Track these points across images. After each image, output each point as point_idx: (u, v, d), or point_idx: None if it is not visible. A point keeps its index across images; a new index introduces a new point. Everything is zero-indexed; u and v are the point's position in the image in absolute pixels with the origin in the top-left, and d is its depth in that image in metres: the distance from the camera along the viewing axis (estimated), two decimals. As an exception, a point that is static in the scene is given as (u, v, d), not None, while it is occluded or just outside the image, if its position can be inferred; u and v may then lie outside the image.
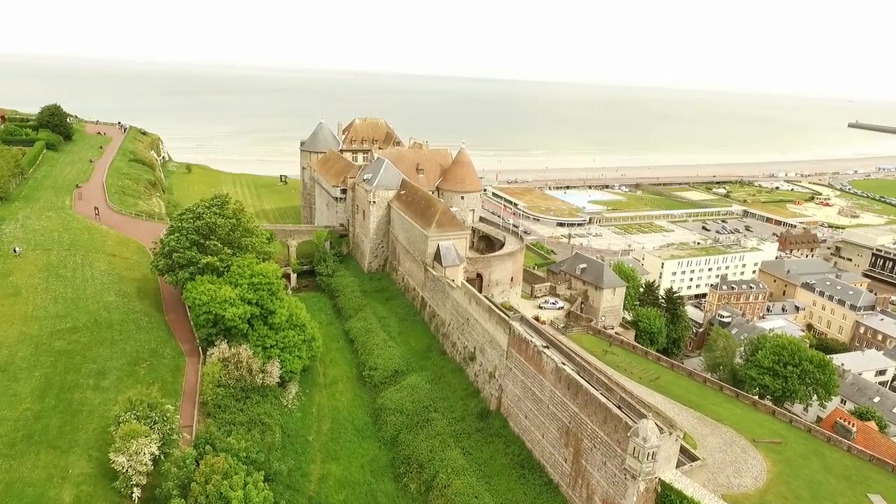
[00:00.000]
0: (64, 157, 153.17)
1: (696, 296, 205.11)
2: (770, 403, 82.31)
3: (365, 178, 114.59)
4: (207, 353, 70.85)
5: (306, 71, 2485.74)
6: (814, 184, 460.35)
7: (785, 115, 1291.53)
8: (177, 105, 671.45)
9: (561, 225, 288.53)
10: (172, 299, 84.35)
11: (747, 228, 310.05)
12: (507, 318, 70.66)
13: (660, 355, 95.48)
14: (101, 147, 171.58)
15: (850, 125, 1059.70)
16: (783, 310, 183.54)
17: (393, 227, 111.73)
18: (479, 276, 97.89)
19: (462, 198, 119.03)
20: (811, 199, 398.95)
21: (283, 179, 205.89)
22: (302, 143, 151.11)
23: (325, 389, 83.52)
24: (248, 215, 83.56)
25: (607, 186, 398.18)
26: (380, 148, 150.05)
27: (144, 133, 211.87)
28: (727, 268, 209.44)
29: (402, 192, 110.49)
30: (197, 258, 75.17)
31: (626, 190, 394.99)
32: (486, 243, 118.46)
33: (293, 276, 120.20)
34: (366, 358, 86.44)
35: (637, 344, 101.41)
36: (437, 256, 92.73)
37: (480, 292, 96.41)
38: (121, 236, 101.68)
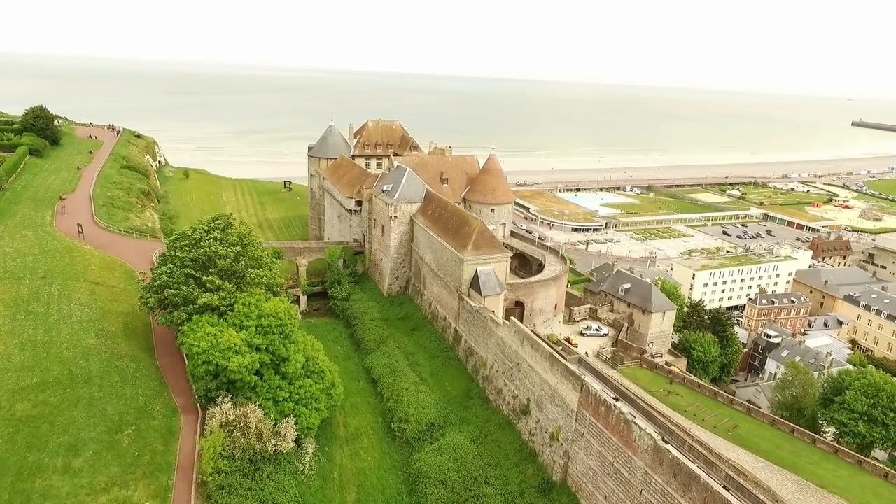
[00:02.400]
0: (49, 164, 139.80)
1: (728, 308, 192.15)
2: (882, 465, 69.25)
3: (384, 189, 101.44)
4: (207, 412, 57.77)
5: (307, 70, 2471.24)
6: (828, 185, 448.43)
7: (786, 113, 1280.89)
8: (176, 105, 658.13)
9: (576, 230, 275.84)
10: (166, 338, 71.12)
11: (769, 233, 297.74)
12: (575, 370, 57.52)
13: (732, 397, 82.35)
14: (90, 152, 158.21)
15: (854, 123, 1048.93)
16: (825, 325, 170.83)
17: (417, 245, 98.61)
18: (520, 304, 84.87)
19: (493, 210, 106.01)
20: (829, 200, 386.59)
21: (288, 186, 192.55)
22: (310, 148, 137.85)
23: (346, 445, 70.38)
24: (256, 240, 70.08)
25: (618, 188, 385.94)
26: (395, 153, 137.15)
27: (139, 136, 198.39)
28: (760, 278, 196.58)
29: (428, 205, 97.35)
30: (193, 295, 61.98)
31: (638, 192, 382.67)
32: (519, 262, 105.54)
33: (303, 299, 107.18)
34: (394, 406, 73.27)
35: (703, 382, 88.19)
36: (475, 284, 79.67)
37: (522, 321, 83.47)
38: (107, 258, 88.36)
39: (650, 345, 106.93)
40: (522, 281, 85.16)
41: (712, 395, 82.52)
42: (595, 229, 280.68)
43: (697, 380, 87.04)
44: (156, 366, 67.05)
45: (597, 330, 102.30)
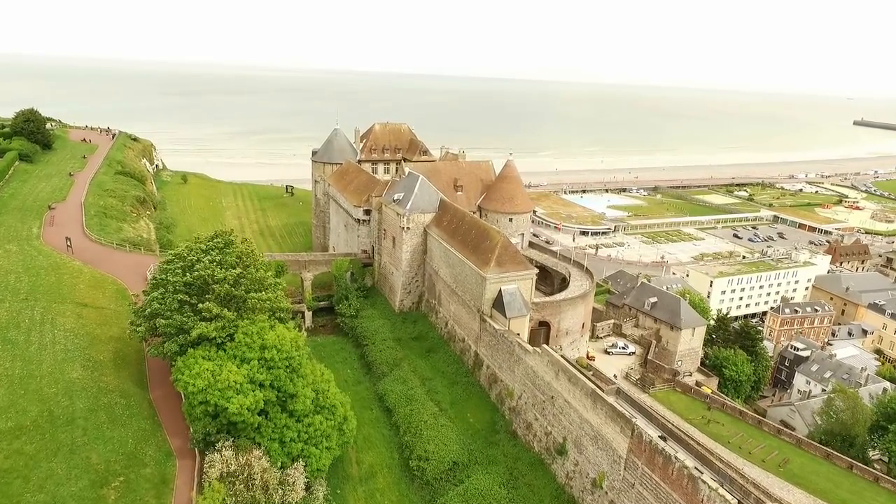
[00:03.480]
0: (39, 170, 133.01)
1: (745, 316, 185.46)
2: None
3: (395, 198, 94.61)
4: (206, 459, 50.97)
5: (307, 71, 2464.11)
6: (836, 185, 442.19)
7: (787, 112, 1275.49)
8: (174, 106, 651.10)
9: (584, 234, 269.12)
10: (160, 366, 64.25)
11: (780, 235, 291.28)
12: (625, 412, 50.65)
13: (780, 427, 75.55)
14: (83, 157, 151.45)
15: (856, 122, 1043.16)
16: (849, 334, 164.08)
17: (431, 259, 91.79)
18: (545, 324, 78.04)
19: (511, 220, 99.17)
20: (839, 202, 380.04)
21: (290, 191, 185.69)
22: (314, 153, 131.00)
23: (360, 486, 63.55)
24: (258, 259, 63.19)
25: (624, 190, 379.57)
26: (404, 158, 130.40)
27: (135, 139, 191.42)
28: (779, 285, 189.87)
29: (443, 215, 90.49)
30: (188, 325, 55.17)
31: (645, 193, 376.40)
32: (539, 275, 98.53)
33: (308, 315, 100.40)
34: (412, 440, 66.40)
35: (743, 408, 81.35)
36: (498, 304, 72.87)
37: (546, 344, 76.69)
38: (97, 275, 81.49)
39: (679, 363, 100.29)
40: (549, 299, 78.32)
41: (756, 424, 75.84)
42: (603, 233, 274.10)
43: (738, 405, 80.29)
44: (148, 400, 60.24)
45: (623, 348, 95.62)
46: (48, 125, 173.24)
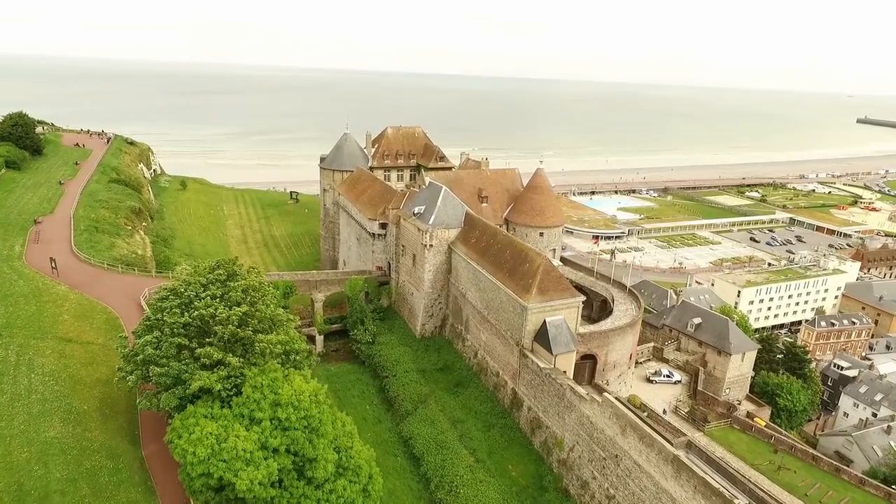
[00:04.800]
0: (27, 179, 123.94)
1: (774, 327, 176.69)
2: None
3: (416, 211, 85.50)
4: (208, 544, 42.00)
5: (308, 70, 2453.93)
6: (848, 185, 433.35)
7: (789, 111, 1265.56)
8: (173, 106, 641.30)
9: (597, 238, 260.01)
10: (154, 415, 55.33)
11: (799, 239, 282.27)
12: (726, 492, 41.49)
13: (863, 476, 66.51)
14: (76, 163, 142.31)
15: (859, 121, 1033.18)
16: (888, 347, 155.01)
17: (457, 280, 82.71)
18: (591, 356, 68.96)
19: (541, 235, 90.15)
20: (854, 203, 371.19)
21: (294, 197, 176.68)
22: (322, 160, 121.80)
23: (388, 556, 54.63)
24: (268, 292, 54.01)
25: (634, 191, 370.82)
26: (418, 164, 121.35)
27: (131, 143, 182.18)
28: (808, 294, 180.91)
29: (470, 231, 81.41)
30: (187, 375, 46.14)
31: (655, 194, 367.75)
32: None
33: (319, 339, 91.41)
34: (446, 498, 57.31)
35: (818, 453, 72.20)
36: (542, 337, 63.82)
37: (592, 379, 67.69)
38: (84, 301, 72.39)
39: (727, 391, 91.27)
40: (595, 329, 69.23)
41: (833, 471, 66.74)
42: (617, 237, 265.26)
43: (811, 449, 71.15)
44: (140, 459, 51.15)
45: (668, 376, 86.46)
46: (39, 129, 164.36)
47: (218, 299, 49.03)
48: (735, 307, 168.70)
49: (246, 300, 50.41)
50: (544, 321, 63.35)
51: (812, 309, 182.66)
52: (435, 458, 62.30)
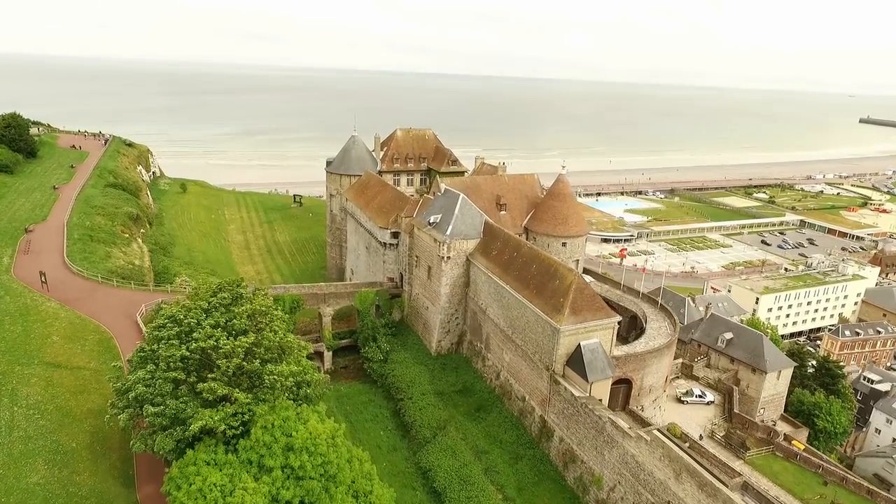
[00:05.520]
0: (20, 183, 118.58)
1: (792, 335, 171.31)
2: None
3: (431, 220, 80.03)
4: None
5: (308, 70, 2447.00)
6: (856, 186, 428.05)
7: (791, 110, 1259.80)
8: (173, 105, 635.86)
9: (606, 241, 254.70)
10: (150, 455, 49.86)
11: (810, 242, 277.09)
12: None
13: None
14: (71, 166, 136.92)
15: (862, 120, 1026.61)
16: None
17: (476, 294, 77.22)
18: (625, 380, 63.49)
19: (564, 245, 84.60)
20: (864, 204, 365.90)
21: (298, 200, 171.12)
22: (328, 164, 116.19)
23: None
24: (278, 316, 48.54)
25: (640, 192, 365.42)
26: (429, 168, 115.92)
27: (130, 144, 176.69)
28: (827, 300, 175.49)
29: (491, 242, 75.93)
30: (186, 414, 40.71)
31: (661, 196, 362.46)
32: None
33: (328, 355, 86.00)
34: (472, 542, 51.94)
35: (871, 485, 66.74)
36: (576, 362, 58.36)
37: (626, 404, 62.20)
38: (76, 320, 66.92)
39: (761, 411, 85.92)
40: (630, 351, 63.71)
41: (890, 507, 61.31)
42: (626, 240, 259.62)
43: (864, 482, 65.66)
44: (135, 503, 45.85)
45: (700, 396, 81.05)
46: (34, 130, 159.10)
47: (221, 328, 43.53)
48: (753, 314, 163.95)
49: (252, 327, 44.96)
50: (579, 345, 57.88)
51: (831, 316, 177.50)
52: (459, 494, 56.83)
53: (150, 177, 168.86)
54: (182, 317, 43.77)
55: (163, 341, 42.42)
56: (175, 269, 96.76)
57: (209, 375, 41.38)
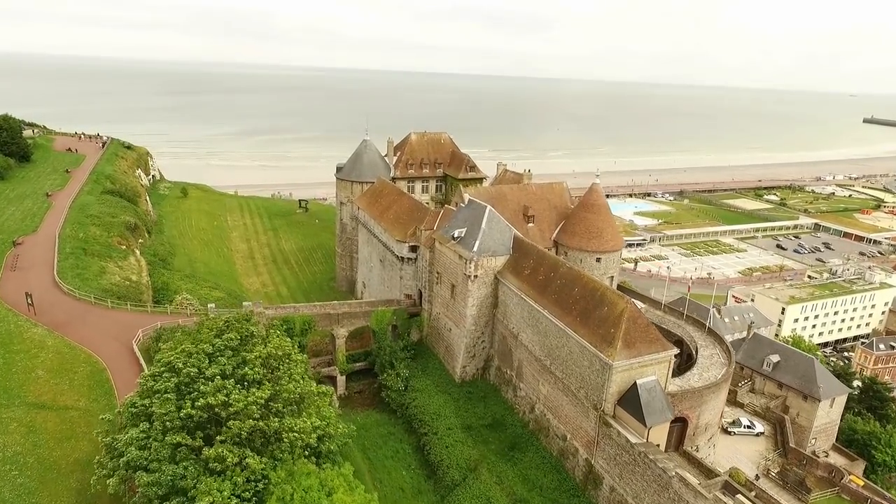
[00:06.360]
0: (11, 190, 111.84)
1: (818, 347, 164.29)
2: None
3: (455, 235, 73.12)
4: None
5: (307, 69, 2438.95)
6: (867, 188, 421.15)
7: (794, 110, 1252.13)
8: (173, 105, 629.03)
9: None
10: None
11: (827, 246, 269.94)
12: None
13: None
14: (66, 171, 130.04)
15: (866, 120, 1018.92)
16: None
17: (505, 316, 70.34)
18: (680, 419, 56.55)
19: (598, 261, 77.80)
20: (877, 207, 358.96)
21: (304, 206, 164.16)
22: (338, 169, 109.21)
23: None
24: (297, 358, 41.62)
25: (648, 194, 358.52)
26: (445, 174, 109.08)
27: (129, 147, 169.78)
28: (854, 310, 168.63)
29: (522, 260, 69.02)
30: (188, 483, 33.81)
31: (671, 198, 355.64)
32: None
33: (341, 379, 79.20)
34: None
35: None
36: (631, 402, 51.43)
37: (680, 445, 55.25)
38: (64, 348, 60.00)
39: (813, 441, 78.99)
40: (686, 386, 56.76)
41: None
42: (638, 244, 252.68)
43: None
44: (128, 581, 38.94)
45: (749, 427, 74.14)
46: (28, 132, 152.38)
47: (230, 376, 36.66)
48: (779, 325, 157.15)
49: (267, 375, 38.06)
50: (634, 383, 50.98)
51: (858, 326, 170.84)
52: (497, 553, 49.95)
53: (149, 180, 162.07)
54: (181, 364, 36.81)
55: (158, 395, 35.46)
56: (175, 284, 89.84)
57: (217, 438, 34.49)
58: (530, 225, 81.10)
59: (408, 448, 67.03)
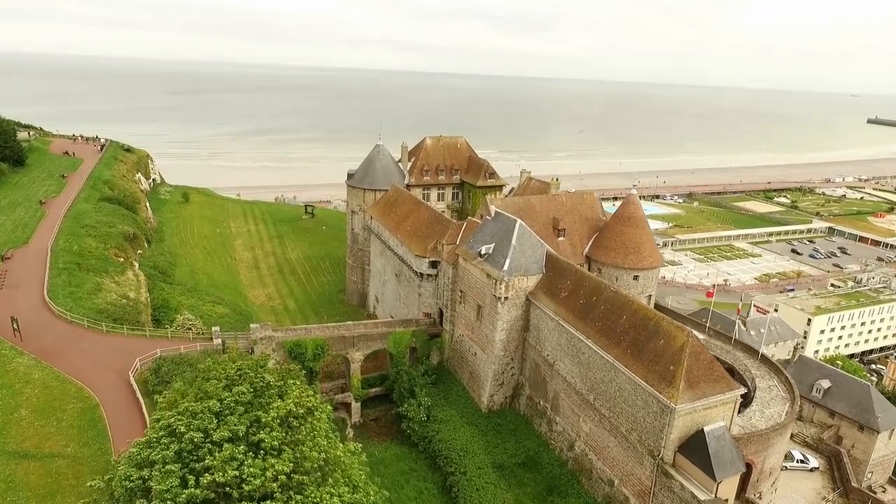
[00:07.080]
0: (2, 197, 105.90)
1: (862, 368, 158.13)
2: None
3: (482, 251, 66.85)
4: None
5: (308, 68, 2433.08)
6: (878, 190, 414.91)
7: (796, 110, 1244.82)
8: (174, 105, 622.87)
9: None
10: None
11: (843, 251, 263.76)
12: None
13: None
14: (62, 176, 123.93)
15: (870, 121, 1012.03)
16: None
17: (539, 342, 64.07)
18: (745, 464, 50.23)
19: (636, 279, 71.60)
20: (891, 209, 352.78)
21: (310, 211, 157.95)
22: (349, 176, 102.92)
23: None
24: (320, 416, 35.34)
25: (657, 197, 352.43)
26: (462, 181, 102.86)
27: (129, 150, 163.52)
28: (881, 320, 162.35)
29: (557, 280, 62.75)
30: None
31: (680, 200, 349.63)
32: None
33: (356, 406, 73.06)
34: None
35: None
36: (695, 451, 45.19)
37: (743, 492, 48.94)
38: (53, 381, 53.70)
39: (869, 475, 72.73)
40: (751, 429, 50.48)
41: None
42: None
43: None
44: None
45: (802, 462, 67.80)
46: (23, 135, 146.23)
47: (242, 442, 30.41)
48: (805, 337, 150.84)
49: (287, 438, 31.75)
50: (701, 430, 44.75)
51: (885, 337, 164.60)
52: None
53: (149, 185, 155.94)
54: (183, 428, 30.50)
55: (156, 467, 29.19)
56: (176, 300, 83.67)
57: (227, 515, 28.28)
58: (561, 239, 74.92)
59: (432, 487, 60.75)
